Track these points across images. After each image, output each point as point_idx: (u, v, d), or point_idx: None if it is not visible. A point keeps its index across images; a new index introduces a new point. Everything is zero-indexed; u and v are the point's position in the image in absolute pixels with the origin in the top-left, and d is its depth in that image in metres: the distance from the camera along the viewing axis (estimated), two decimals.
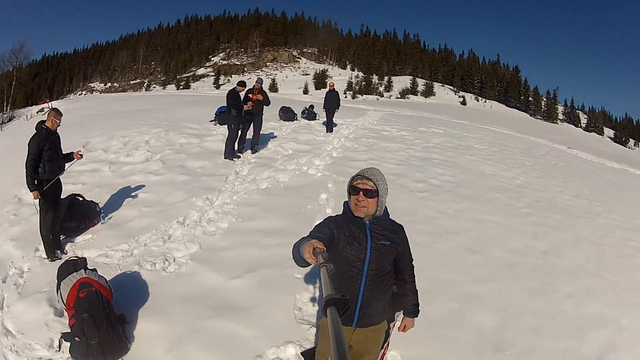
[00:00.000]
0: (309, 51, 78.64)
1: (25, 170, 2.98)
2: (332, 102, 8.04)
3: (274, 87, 52.16)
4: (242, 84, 5.89)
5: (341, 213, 1.48)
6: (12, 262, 3.08)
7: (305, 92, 51.63)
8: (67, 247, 3.34)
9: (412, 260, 1.53)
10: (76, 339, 1.99)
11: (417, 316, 1.46)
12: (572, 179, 8.05)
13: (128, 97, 25.38)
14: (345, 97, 47.14)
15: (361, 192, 1.37)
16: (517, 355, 2.28)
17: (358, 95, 54.71)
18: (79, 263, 2.29)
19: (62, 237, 3.39)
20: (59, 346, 2.09)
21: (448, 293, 2.69)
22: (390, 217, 1.51)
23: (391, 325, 1.86)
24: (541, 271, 3.27)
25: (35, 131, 3.05)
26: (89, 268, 2.28)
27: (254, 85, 6.10)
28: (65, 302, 2.06)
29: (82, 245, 3.35)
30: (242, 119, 5.87)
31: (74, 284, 2.08)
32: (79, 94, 63.26)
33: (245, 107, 5.84)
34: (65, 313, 2.13)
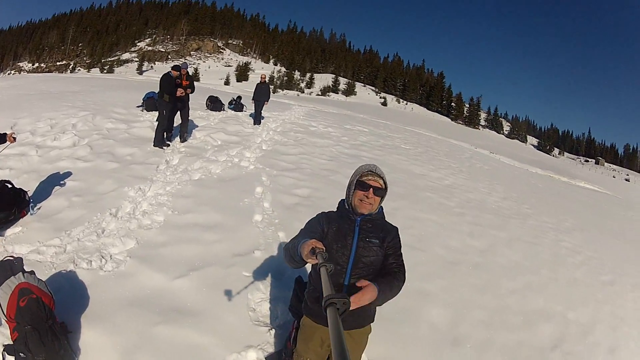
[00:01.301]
0: (233, 43, 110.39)
1: None
2: (262, 95, 11.05)
3: (195, 77, 68.60)
4: (176, 68, 7.64)
5: (335, 209, 2.04)
6: None
7: (227, 83, 72.40)
8: None
9: (403, 266, 1.95)
10: (21, 354, 2.40)
11: (379, 295, 1.73)
12: (499, 182, 10.96)
13: (55, 78, 32.82)
14: None
15: (371, 189, 1.90)
16: (476, 347, 3.23)
17: (279, 90, 75.96)
18: (16, 265, 2.80)
19: None
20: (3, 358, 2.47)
21: (423, 305, 3.63)
22: (384, 216, 2.08)
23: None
24: (482, 268, 4.63)
25: None
26: (26, 270, 2.80)
27: (180, 71, 7.76)
28: (5, 312, 2.50)
29: (13, 240, 4.19)
30: (173, 105, 7.65)
31: (12, 291, 2.52)
32: (8, 73, 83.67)
33: (178, 93, 7.58)
34: (5, 323, 2.58)
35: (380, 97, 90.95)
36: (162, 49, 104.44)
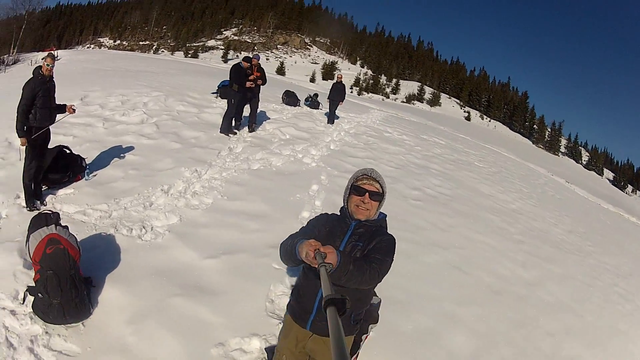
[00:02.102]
0: (321, 40, 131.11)
1: (16, 114, 5.00)
2: (337, 94, 12.96)
3: (281, 70, 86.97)
4: (247, 59, 9.46)
5: (338, 212, 2.40)
6: None
7: (312, 80, 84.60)
8: (48, 198, 5.53)
9: (383, 265, 2.13)
10: (39, 295, 3.26)
11: (339, 265, 1.86)
12: (568, 213, 12.47)
13: (136, 57, 41.21)
14: (352, 92, 78.78)
15: (367, 194, 2.21)
16: None
17: (364, 93, 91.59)
18: (52, 217, 3.74)
19: (44, 187, 5.67)
20: (23, 299, 3.40)
21: (426, 309, 4.07)
22: (387, 227, 2.38)
23: (363, 337, 2.91)
24: (525, 302, 5.13)
25: (32, 76, 5.12)
26: (61, 224, 3.71)
27: (252, 61, 9.53)
28: (31, 256, 3.39)
29: (63, 199, 5.56)
30: (242, 95, 9.33)
31: (42, 239, 3.39)
32: (88, 47, 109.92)
33: (248, 84, 9.31)
34: (31, 267, 3.52)
35: (465, 111, 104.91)
36: (248, 40, 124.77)
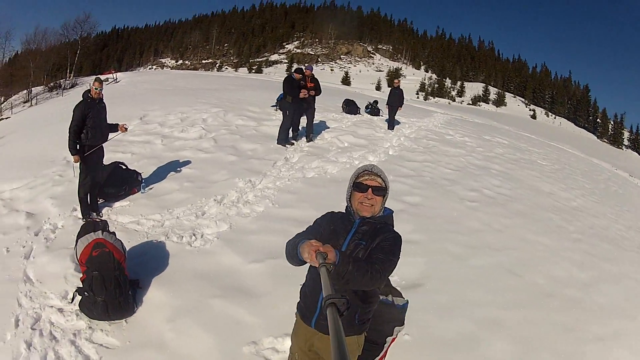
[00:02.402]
0: (383, 48, 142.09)
1: (68, 134, 5.86)
2: (395, 100, 13.86)
3: (346, 80, 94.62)
4: (298, 71, 10.39)
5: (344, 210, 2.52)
6: (49, 218, 6.01)
7: (378, 88, 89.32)
8: (104, 210, 6.35)
9: (385, 265, 2.15)
10: (85, 294, 3.81)
11: (338, 264, 1.92)
12: (629, 208, 12.98)
13: (196, 75, 45.67)
14: (417, 97, 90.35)
15: (370, 190, 2.32)
16: None
17: (430, 98, 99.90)
18: (99, 224, 4.43)
19: (101, 201, 6.52)
20: (72, 299, 3.99)
21: (469, 314, 4.20)
22: (393, 223, 2.45)
23: (388, 339, 3.07)
24: (577, 305, 5.19)
25: (82, 99, 6.01)
26: (109, 231, 4.34)
27: (305, 72, 10.42)
28: (78, 258, 4.00)
29: (118, 211, 6.34)
30: (297, 106, 10.15)
31: (89, 243, 3.98)
32: (149, 68, 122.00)
33: (301, 95, 10.11)
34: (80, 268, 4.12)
35: (530, 109, 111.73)
36: (311, 52, 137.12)
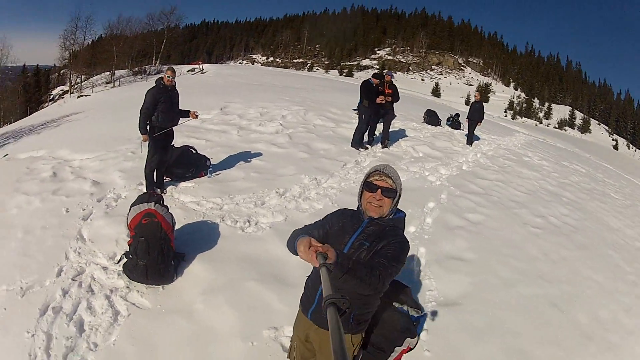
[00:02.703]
0: (474, 61, 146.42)
1: (139, 115, 6.66)
2: (475, 114, 14.36)
3: (436, 92, 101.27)
4: (376, 76, 10.83)
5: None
6: (114, 188, 6.87)
7: (467, 102, 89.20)
8: (169, 188, 7.02)
9: (386, 270, 2.24)
10: (130, 256, 4.38)
11: (336, 265, 2.00)
12: None
13: (284, 73, 49.17)
14: (505, 116, 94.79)
15: (379, 190, 2.43)
16: None
17: (518, 117, 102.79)
18: (154, 197, 4.89)
19: (167, 179, 7.27)
20: (119, 260, 4.60)
21: (500, 342, 4.26)
22: (404, 227, 2.56)
23: (397, 349, 3.21)
24: (615, 353, 5.11)
25: (155, 85, 6.75)
26: (162, 204, 4.80)
27: (382, 79, 10.89)
28: (128, 223, 4.53)
29: (182, 190, 6.97)
30: (373, 111, 10.62)
31: (140, 211, 4.50)
32: (239, 63, 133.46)
33: (378, 100, 10.56)
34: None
35: (613, 139, 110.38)
36: (402, 60, 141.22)
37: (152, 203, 4.63)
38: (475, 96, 15.62)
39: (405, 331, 3.21)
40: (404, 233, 2.53)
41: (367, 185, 2.47)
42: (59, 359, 3.36)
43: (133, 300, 4.06)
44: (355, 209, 2.62)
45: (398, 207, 2.55)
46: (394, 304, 3.40)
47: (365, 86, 10.56)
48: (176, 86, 6.99)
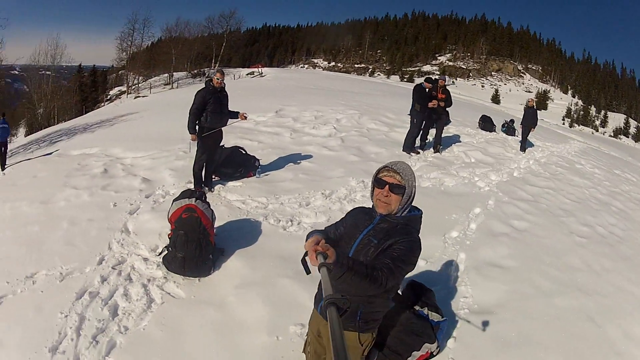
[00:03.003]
0: (533, 68, 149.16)
1: (188, 115, 7.06)
2: (529, 120, 14.69)
3: (496, 99, 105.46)
4: (429, 80, 11.10)
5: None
6: (163, 185, 7.47)
7: None
8: (217, 187, 7.43)
9: (391, 271, 2.26)
10: (169, 249, 4.76)
11: (337, 265, 2.05)
12: None
13: (342, 77, 50.72)
14: (563, 124, 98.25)
15: (387, 186, 2.45)
16: None
17: (575, 125, 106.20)
18: (196, 193, 5.19)
19: (216, 178, 7.71)
20: (160, 252, 4.95)
21: (526, 355, 4.20)
22: (418, 226, 2.55)
23: (415, 354, 3.25)
24: None
25: (204, 86, 7.17)
26: (203, 200, 5.09)
27: (435, 84, 11.15)
28: (169, 217, 4.89)
29: (229, 189, 7.38)
30: (426, 115, 10.97)
31: (181, 206, 4.84)
32: (301, 67, 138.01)
33: (430, 104, 10.83)
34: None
35: None
36: (463, 66, 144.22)
37: (194, 199, 4.89)
38: (528, 102, 15.77)
39: (423, 336, 3.19)
40: (419, 232, 2.55)
41: (377, 182, 2.50)
42: (88, 338, 3.58)
43: (169, 290, 4.31)
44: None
45: (415, 205, 2.55)
46: (414, 307, 3.38)
47: (418, 90, 10.78)
48: (226, 88, 7.27)
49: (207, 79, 7.29)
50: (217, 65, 63.19)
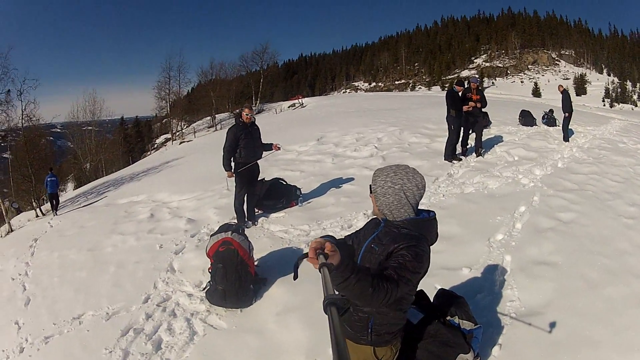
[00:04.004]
0: (566, 53, 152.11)
1: (222, 153, 7.44)
2: (563, 106, 14.70)
3: (536, 92, 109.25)
4: (459, 83, 11.17)
5: None
6: (208, 224, 7.85)
7: None
8: (260, 220, 7.71)
9: (398, 278, 2.17)
10: (210, 282, 5.10)
11: (340, 268, 1.96)
12: None
13: (381, 96, 51.73)
14: (604, 105, 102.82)
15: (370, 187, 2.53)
16: None
17: (615, 104, 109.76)
18: (232, 226, 5.53)
19: (258, 211, 7.98)
20: (204, 287, 5.27)
21: (577, 355, 4.03)
22: (419, 231, 2.41)
23: None
24: None
25: (234, 123, 7.54)
26: (239, 232, 5.39)
27: (470, 85, 11.31)
28: (207, 252, 5.24)
29: (272, 221, 7.63)
30: (462, 120, 11.01)
31: (218, 240, 5.16)
32: (343, 92, 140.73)
33: (465, 108, 10.92)
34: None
35: None
36: (499, 64, 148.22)
37: (230, 232, 5.13)
38: (558, 88, 15.86)
39: (455, 346, 3.12)
40: (427, 236, 2.43)
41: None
42: None
43: (211, 322, 4.52)
44: None
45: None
46: (445, 317, 3.31)
47: (450, 95, 10.86)
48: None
49: (236, 116, 7.62)
50: (257, 102, 65.31)
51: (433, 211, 2.50)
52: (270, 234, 6.87)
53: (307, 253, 1.98)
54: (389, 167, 2.48)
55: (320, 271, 1.79)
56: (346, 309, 1.78)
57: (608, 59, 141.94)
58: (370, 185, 2.48)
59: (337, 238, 2.58)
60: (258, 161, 7.54)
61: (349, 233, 2.80)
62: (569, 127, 14.70)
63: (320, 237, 2.24)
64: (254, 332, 4.34)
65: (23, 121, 28.33)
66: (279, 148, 7.80)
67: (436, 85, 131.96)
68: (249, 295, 4.96)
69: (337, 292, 1.63)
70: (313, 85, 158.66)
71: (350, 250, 2.59)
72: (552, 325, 4.25)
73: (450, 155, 10.84)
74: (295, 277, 2.30)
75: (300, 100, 51.06)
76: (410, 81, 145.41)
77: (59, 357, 4.24)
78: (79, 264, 6.78)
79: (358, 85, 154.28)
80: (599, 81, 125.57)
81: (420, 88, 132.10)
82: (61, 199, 18.45)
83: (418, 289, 2.88)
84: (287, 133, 18.96)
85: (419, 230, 2.40)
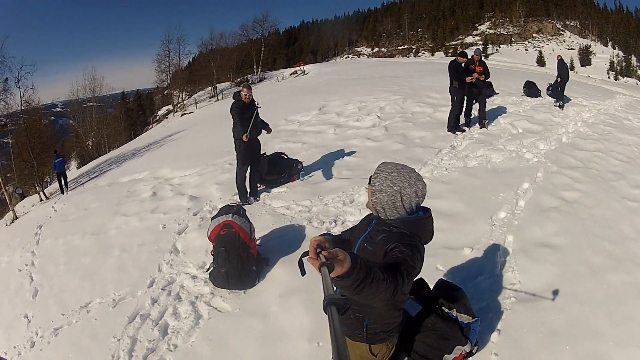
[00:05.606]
0: (571, 24, 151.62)
1: (234, 129, 7.35)
2: (558, 72, 15.76)
3: (541, 61, 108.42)
4: (462, 55, 11.20)
5: None
6: (210, 201, 7.96)
7: (572, 68, 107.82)
8: (262, 195, 7.82)
9: (399, 272, 2.10)
10: (213, 264, 5.25)
11: (352, 270, 1.81)
12: None
13: (384, 63, 51.12)
14: (608, 77, 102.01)
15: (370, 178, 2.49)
16: None
17: (620, 78, 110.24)
18: (233, 208, 5.50)
19: (260, 186, 8.05)
20: (208, 268, 5.40)
21: (576, 345, 3.97)
22: (414, 232, 2.36)
23: (447, 357, 3.24)
24: None
25: (234, 100, 7.44)
26: (240, 213, 5.40)
27: (473, 57, 11.25)
28: (209, 235, 5.28)
29: (274, 196, 7.72)
30: (466, 91, 11.04)
31: (219, 223, 5.19)
32: (346, 57, 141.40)
33: (468, 80, 10.89)
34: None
35: None
36: (504, 32, 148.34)
37: (230, 214, 5.18)
38: (557, 57, 16.74)
39: (452, 339, 3.17)
40: (420, 236, 2.41)
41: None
42: (140, 359, 3.91)
43: (215, 305, 4.62)
44: None
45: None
46: (442, 309, 3.36)
47: (453, 67, 10.82)
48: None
49: (234, 93, 7.54)
50: (259, 70, 65.04)
51: (429, 208, 2.50)
52: (272, 210, 6.98)
53: (308, 251, 1.94)
54: (395, 165, 2.46)
55: (320, 271, 1.74)
56: (347, 308, 1.56)
57: (613, 32, 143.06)
58: (370, 177, 2.44)
59: (334, 235, 2.60)
60: (259, 137, 7.55)
61: (346, 230, 2.83)
62: (564, 94, 15.22)
63: (320, 235, 2.22)
64: (258, 315, 4.43)
65: (22, 107, 28.91)
66: (270, 131, 7.87)
67: (439, 51, 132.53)
68: (252, 277, 5.05)
69: (337, 291, 1.62)
70: (315, 51, 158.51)
71: (347, 246, 2.56)
72: (553, 311, 4.26)
73: (454, 126, 10.91)
74: (303, 274, 2.31)
75: (302, 67, 50.94)
76: (414, 47, 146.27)
77: (69, 348, 4.38)
78: (84, 249, 6.91)
79: (361, 51, 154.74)
80: (604, 53, 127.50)
81: (423, 54, 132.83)
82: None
83: (418, 277, 2.88)
84: (288, 102, 18.98)
85: (412, 230, 2.38)
